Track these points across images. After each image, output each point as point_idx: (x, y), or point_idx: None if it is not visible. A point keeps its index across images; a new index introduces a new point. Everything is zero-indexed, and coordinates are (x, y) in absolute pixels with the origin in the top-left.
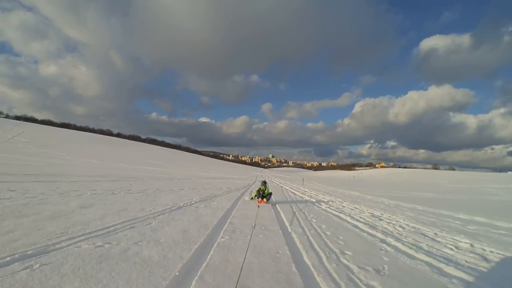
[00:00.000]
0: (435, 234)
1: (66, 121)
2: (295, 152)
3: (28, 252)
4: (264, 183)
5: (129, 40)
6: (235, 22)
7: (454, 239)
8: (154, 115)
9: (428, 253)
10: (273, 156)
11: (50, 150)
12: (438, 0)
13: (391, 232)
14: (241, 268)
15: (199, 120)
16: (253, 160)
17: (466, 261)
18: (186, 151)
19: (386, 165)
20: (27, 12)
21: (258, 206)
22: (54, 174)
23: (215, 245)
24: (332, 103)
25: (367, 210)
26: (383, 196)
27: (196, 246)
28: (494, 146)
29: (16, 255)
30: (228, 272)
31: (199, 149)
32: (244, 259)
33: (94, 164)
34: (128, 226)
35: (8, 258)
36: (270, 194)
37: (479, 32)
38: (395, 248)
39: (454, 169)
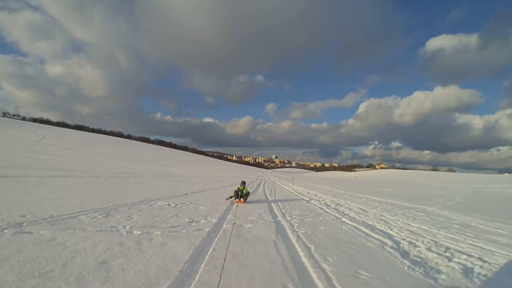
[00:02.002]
0: (325, 196)
1: (73, 122)
2: (298, 153)
3: (203, 189)
4: (243, 183)
5: (135, 39)
6: (241, 19)
7: (327, 196)
8: (158, 115)
9: (312, 198)
10: (276, 157)
11: (79, 153)
12: None
13: (306, 195)
14: (261, 181)
15: (203, 120)
16: (256, 161)
17: (315, 200)
18: (193, 152)
19: (385, 166)
20: (34, 12)
21: (237, 206)
22: (119, 173)
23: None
24: (336, 103)
25: (314, 193)
26: (349, 190)
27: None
28: (500, 147)
29: (201, 189)
30: (253, 190)
31: (203, 150)
32: (262, 182)
33: (127, 165)
34: (219, 188)
35: (203, 189)
36: (248, 194)
37: (487, 32)
38: (296, 194)
39: (454, 171)
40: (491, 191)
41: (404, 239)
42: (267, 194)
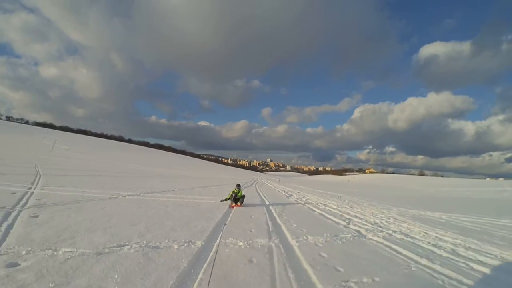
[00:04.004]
0: (288, 189)
1: (66, 124)
2: (293, 157)
3: (222, 184)
4: (238, 186)
5: (131, 42)
6: (238, 24)
7: (290, 189)
8: (153, 118)
9: (280, 189)
10: (271, 160)
11: (94, 156)
12: (440, 7)
13: (279, 189)
14: (254, 182)
15: (199, 123)
16: (251, 164)
17: (281, 190)
18: (190, 156)
19: (374, 171)
20: (29, 13)
21: (233, 208)
22: (154, 175)
23: (245, 184)
24: (331, 108)
25: (285, 188)
26: (315, 188)
27: (243, 184)
28: (491, 153)
29: (221, 184)
30: (249, 185)
31: (199, 153)
32: (255, 182)
33: (146, 168)
34: (228, 184)
35: (222, 184)
36: (243, 197)
37: (480, 39)
38: (273, 187)
39: (441, 176)
40: (448, 194)
41: (296, 197)
42: (257, 187)
